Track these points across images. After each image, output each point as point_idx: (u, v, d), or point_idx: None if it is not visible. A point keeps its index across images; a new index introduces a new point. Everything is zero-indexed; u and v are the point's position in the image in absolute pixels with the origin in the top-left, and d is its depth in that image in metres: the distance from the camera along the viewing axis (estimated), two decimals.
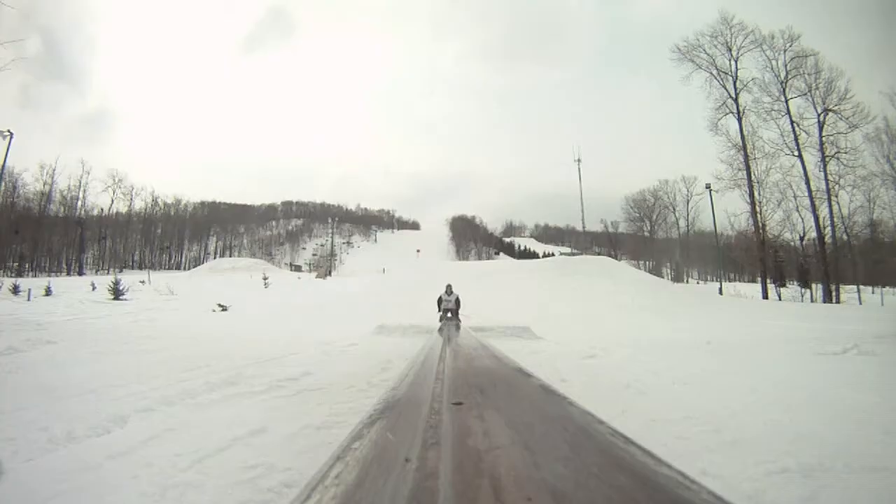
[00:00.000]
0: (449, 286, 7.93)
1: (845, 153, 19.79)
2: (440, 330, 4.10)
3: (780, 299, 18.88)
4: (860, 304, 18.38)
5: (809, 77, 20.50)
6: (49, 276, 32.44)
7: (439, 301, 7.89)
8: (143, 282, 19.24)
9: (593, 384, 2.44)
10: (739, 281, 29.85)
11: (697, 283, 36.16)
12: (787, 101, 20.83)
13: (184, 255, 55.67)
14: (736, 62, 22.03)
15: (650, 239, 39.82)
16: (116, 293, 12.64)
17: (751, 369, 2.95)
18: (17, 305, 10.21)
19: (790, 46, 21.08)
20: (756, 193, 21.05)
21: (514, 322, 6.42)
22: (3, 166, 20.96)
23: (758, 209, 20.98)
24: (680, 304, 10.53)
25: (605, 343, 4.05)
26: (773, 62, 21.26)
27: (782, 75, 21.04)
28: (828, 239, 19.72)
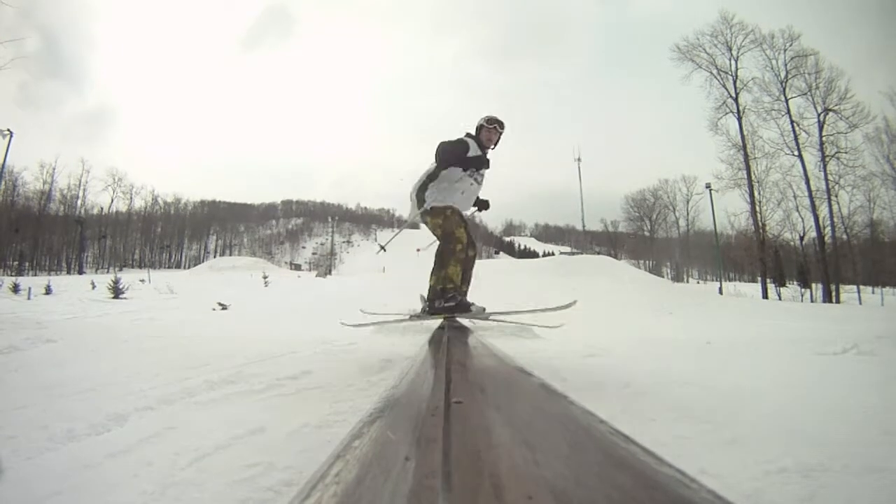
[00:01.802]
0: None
1: (845, 153, 19.82)
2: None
3: (780, 299, 18.89)
4: (860, 304, 18.40)
5: (809, 77, 20.53)
6: (49, 274, 32.48)
7: (446, 152, 2.96)
8: (143, 280, 19.28)
9: (593, 383, 2.44)
10: (739, 281, 29.89)
11: (697, 282, 36.19)
12: (787, 101, 20.86)
13: (184, 254, 55.72)
14: (736, 61, 22.06)
15: (650, 238, 39.81)
16: (116, 292, 12.65)
17: (750, 369, 2.95)
18: (17, 304, 10.21)
19: (790, 46, 21.11)
20: (756, 193, 21.08)
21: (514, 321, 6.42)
22: (3, 165, 20.95)
23: (758, 209, 21.01)
24: (680, 303, 10.55)
25: (604, 342, 4.05)
26: (773, 62, 21.29)
27: (782, 75, 21.07)
28: (828, 239, 19.73)
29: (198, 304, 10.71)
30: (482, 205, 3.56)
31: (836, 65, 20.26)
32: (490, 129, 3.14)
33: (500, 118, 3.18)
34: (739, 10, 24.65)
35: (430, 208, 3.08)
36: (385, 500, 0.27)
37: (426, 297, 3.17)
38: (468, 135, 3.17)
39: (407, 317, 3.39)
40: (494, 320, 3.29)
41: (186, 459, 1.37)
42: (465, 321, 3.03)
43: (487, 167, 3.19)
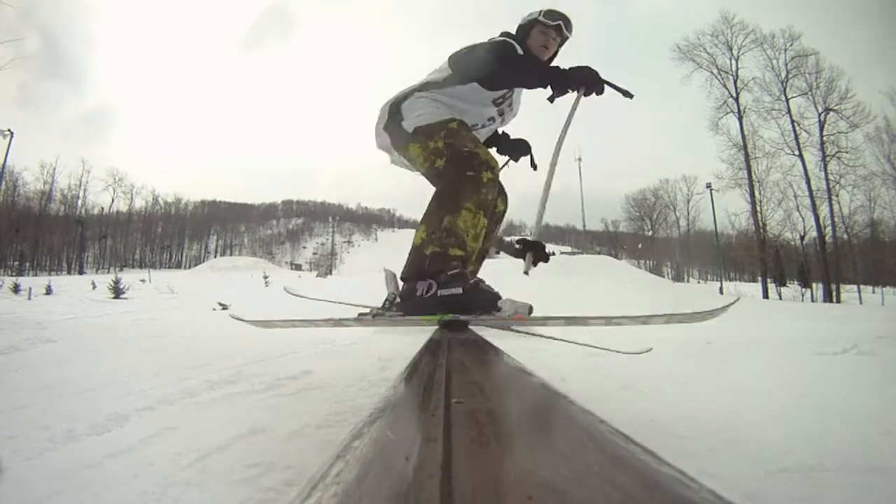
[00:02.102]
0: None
1: (846, 153, 19.85)
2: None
3: (780, 299, 18.90)
4: (860, 303, 18.41)
5: (810, 76, 20.56)
6: (50, 274, 32.53)
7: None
8: (143, 280, 19.33)
9: (593, 383, 2.44)
10: (740, 280, 29.90)
11: (698, 282, 36.21)
12: (787, 101, 20.88)
13: (184, 254, 55.77)
14: (737, 61, 22.09)
15: (651, 238, 39.82)
16: (117, 292, 12.66)
17: (751, 369, 2.95)
18: (17, 304, 10.22)
19: (791, 46, 21.14)
20: (756, 193, 21.11)
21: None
22: (4, 165, 20.98)
23: (758, 208, 21.03)
24: (680, 303, 10.53)
25: (604, 342, 4.05)
26: (774, 61, 21.32)
27: (783, 74, 21.10)
28: (828, 238, 19.74)
29: (198, 305, 10.71)
30: (515, 149, 2.03)
31: (836, 65, 20.33)
32: (547, 32, 1.81)
33: (567, 15, 1.81)
34: (740, 10, 24.73)
35: (415, 129, 1.72)
36: (385, 500, 0.27)
37: (401, 274, 1.74)
38: (506, 34, 1.85)
39: (354, 315, 1.88)
40: (555, 339, 1.83)
41: (187, 459, 1.37)
42: (477, 329, 1.58)
43: (556, 89, 1.67)
